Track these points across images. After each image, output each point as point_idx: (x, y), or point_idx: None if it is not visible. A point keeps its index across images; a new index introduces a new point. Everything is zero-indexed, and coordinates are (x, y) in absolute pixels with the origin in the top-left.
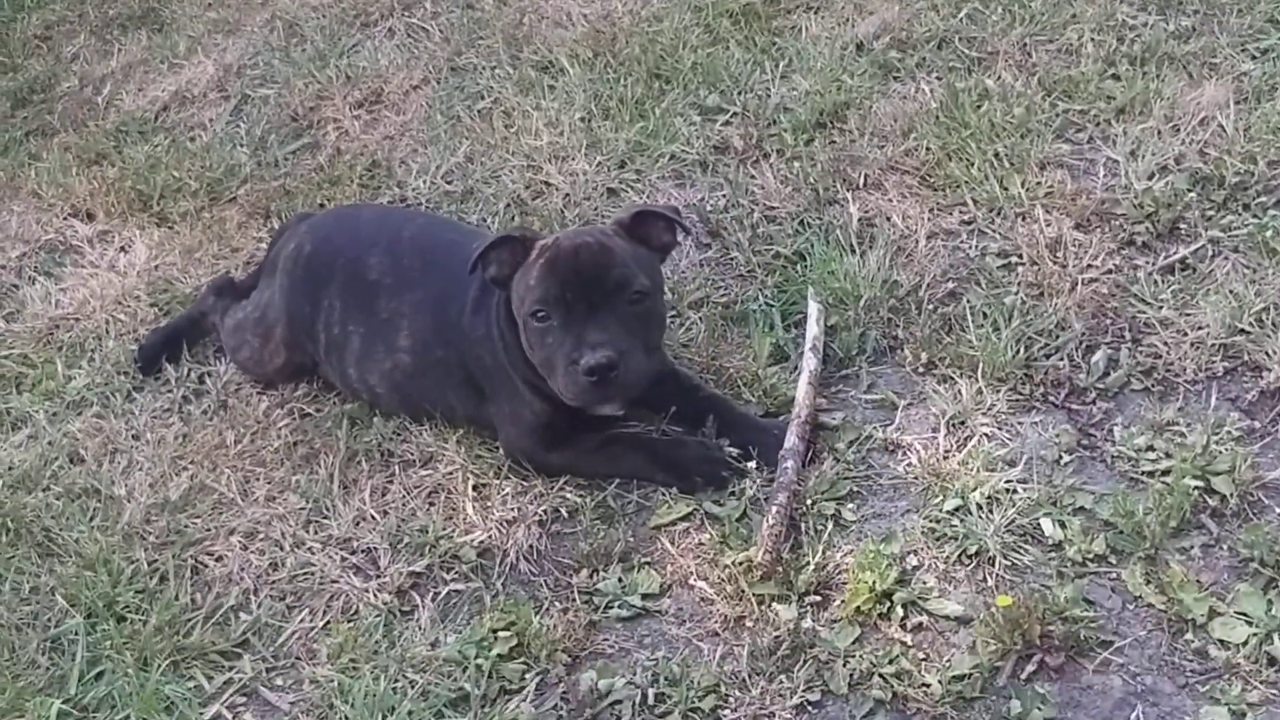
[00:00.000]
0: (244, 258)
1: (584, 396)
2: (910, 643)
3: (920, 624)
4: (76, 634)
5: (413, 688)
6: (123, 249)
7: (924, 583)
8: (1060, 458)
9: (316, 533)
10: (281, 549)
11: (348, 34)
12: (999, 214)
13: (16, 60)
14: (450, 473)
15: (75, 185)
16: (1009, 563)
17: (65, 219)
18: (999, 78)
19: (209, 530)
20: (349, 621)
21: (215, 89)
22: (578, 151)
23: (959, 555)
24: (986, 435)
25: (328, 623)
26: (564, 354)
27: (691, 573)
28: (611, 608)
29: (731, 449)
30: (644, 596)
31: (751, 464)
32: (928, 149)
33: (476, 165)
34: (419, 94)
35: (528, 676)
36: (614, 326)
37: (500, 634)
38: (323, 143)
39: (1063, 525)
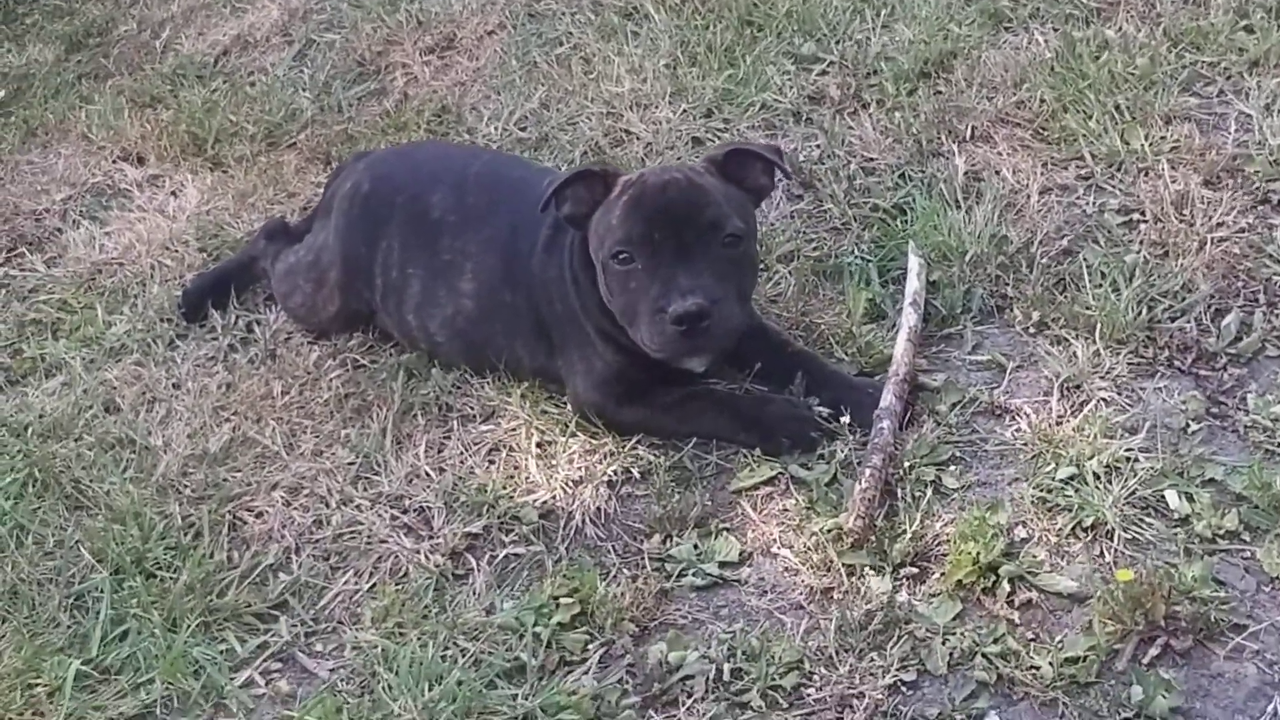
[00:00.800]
0: (300, 203)
1: (671, 347)
2: (1018, 620)
3: (1029, 601)
4: (101, 591)
5: (464, 656)
6: (173, 193)
7: (1034, 556)
8: (1187, 425)
9: (365, 489)
10: (327, 506)
11: None
12: (1119, 169)
13: (74, 4)
14: (513, 429)
15: (126, 128)
16: (1129, 537)
17: (114, 162)
18: (1120, 28)
19: (249, 485)
20: (397, 584)
21: (279, 33)
22: (661, 99)
23: (1073, 527)
24: (1104, 400)
25: (374, 585)
26: (649, 300)
27: (774, 540)
28: (685, 576)
29: (821, 408)
30: (721, 565)
31: (845, 420)
32: (1041, 101)
33: (553, 112)
34: (493, 39)
35: (590, 647)
36: (705, 271)
37: (562, 601)
38: (390, 88)
39: (1190, 498)
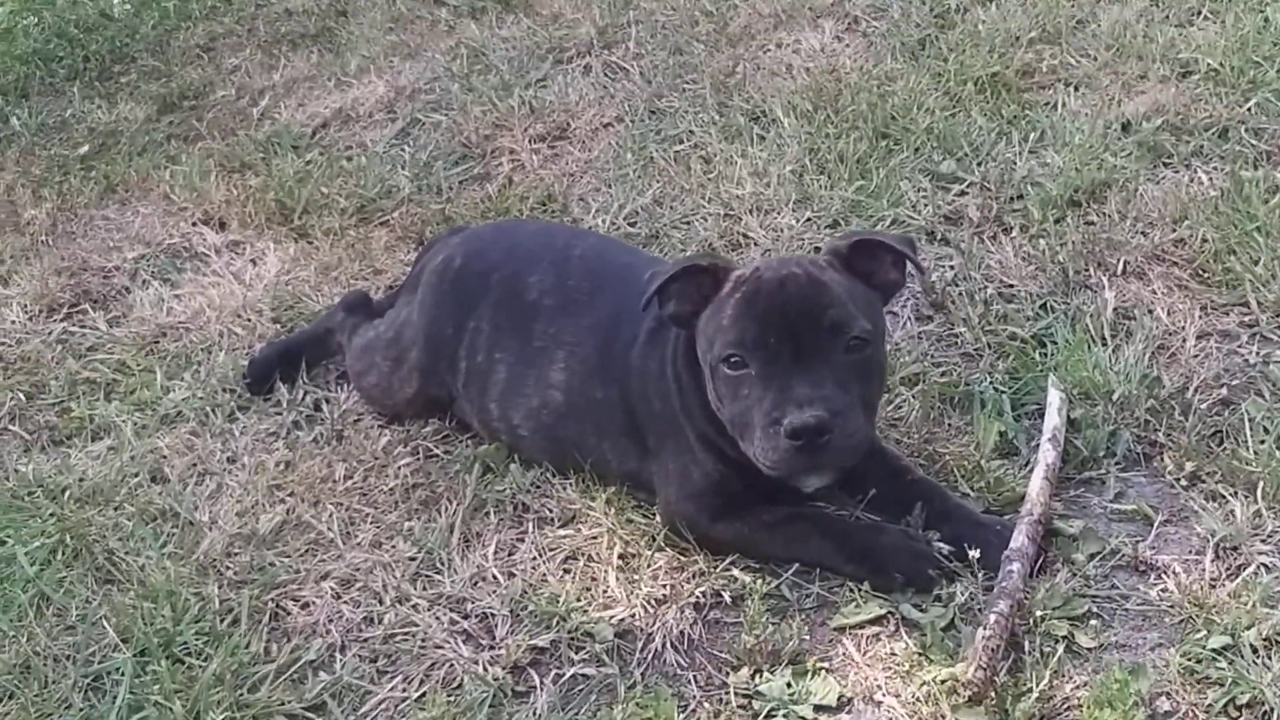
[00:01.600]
0: (387, 280)
1: (786, 464)
2: None
3: None
4: (121, 673)
5: None
6: (253, 260)
7: None
8: None
9: (425, 589)
10: (380, 603)
11: (538, 67)
12: None
13: (173, 68)
14: (594, 536)
15: (211, 191)
16: None
17: (194, 225)
18: None
19: (298, 572)
20: (449, 695)
21: (383, 109)
22: (784, 205)
23: (1225, 704)
24: (1265, 566)
25: (423, 694)
26: (763, 411)
27: (879, 686)
28: (775, 715)
29: (942, 544)
30: (817, 708)
31: (973, 558)
32: (1203, 240)
33: (666, 209)
34: (609, 132)
35: None
36: (827, 379)
37: None
38: (494, 174)
39: None
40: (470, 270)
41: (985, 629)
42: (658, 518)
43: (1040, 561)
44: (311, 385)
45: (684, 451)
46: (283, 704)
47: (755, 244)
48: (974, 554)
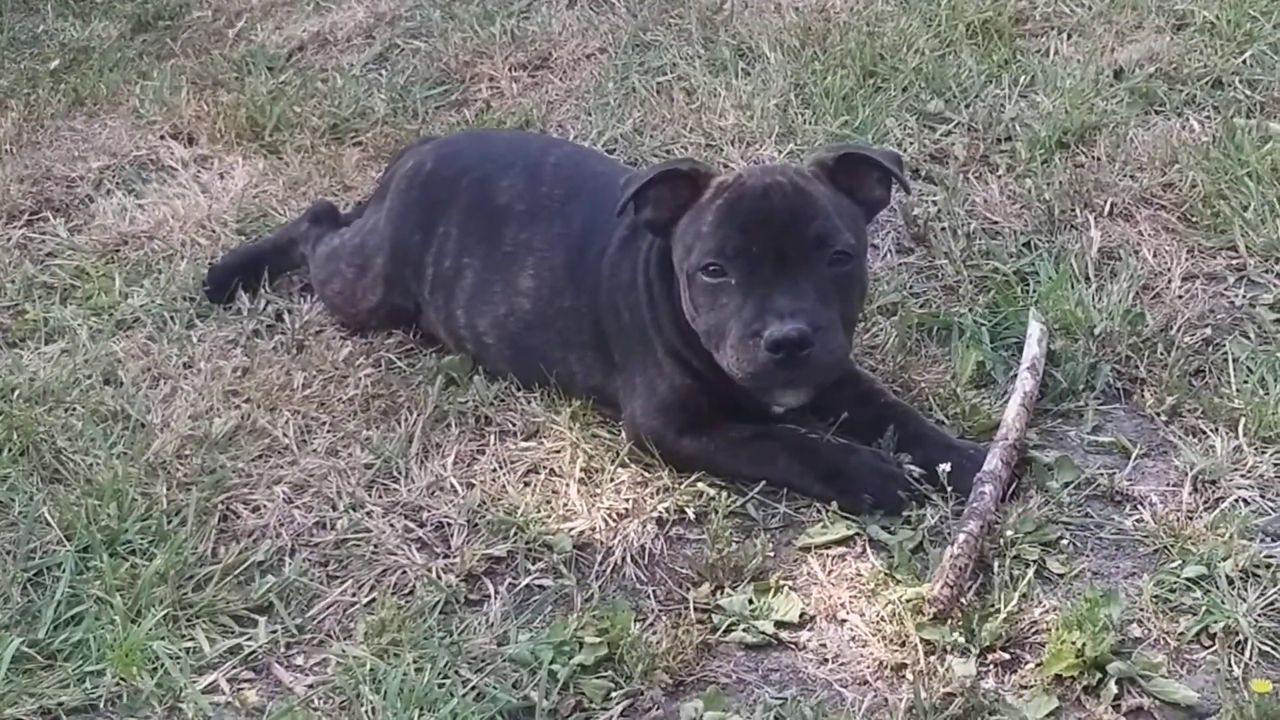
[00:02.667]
0: (357, 197)
1: (762, 377)
2: None
3: (1140, 707)
4: (62, 568)
5: (464, 686)
6: (220, 174)
7: (1149, 659)
8: None
9: (381, 496)
10: (334, 508)
11: None
12: (1276, 262)
13: None
14: (556, 450)
15: (182, 106)
16: (1265, 649)
17: (162, 138)
18: None
19: (250, 476)
20: (400, 600)
21: (361, 34)
22: (767, 137)
23: (1199, 632)
24: (1244, 500)
25: (374, 598)
26: (741, 321)
27: (843, 604)
28: (734, 630)
29: (913, 467)
30: (778, 624)
31: (943, 480)
32: (1193, 184)
33: (646, 137)
34: (591, 62)
35: (614, 695)
36: (809, 292)
37: (587, 640)
38: (472, 99)
39: None
40: (440, 175)
41: (954, 548)
42: (623, 433)
43: (1013, 487)
44: (274, 296)
45: (651, 365)
46: (228, 603)
47: None
48: (944, 469)
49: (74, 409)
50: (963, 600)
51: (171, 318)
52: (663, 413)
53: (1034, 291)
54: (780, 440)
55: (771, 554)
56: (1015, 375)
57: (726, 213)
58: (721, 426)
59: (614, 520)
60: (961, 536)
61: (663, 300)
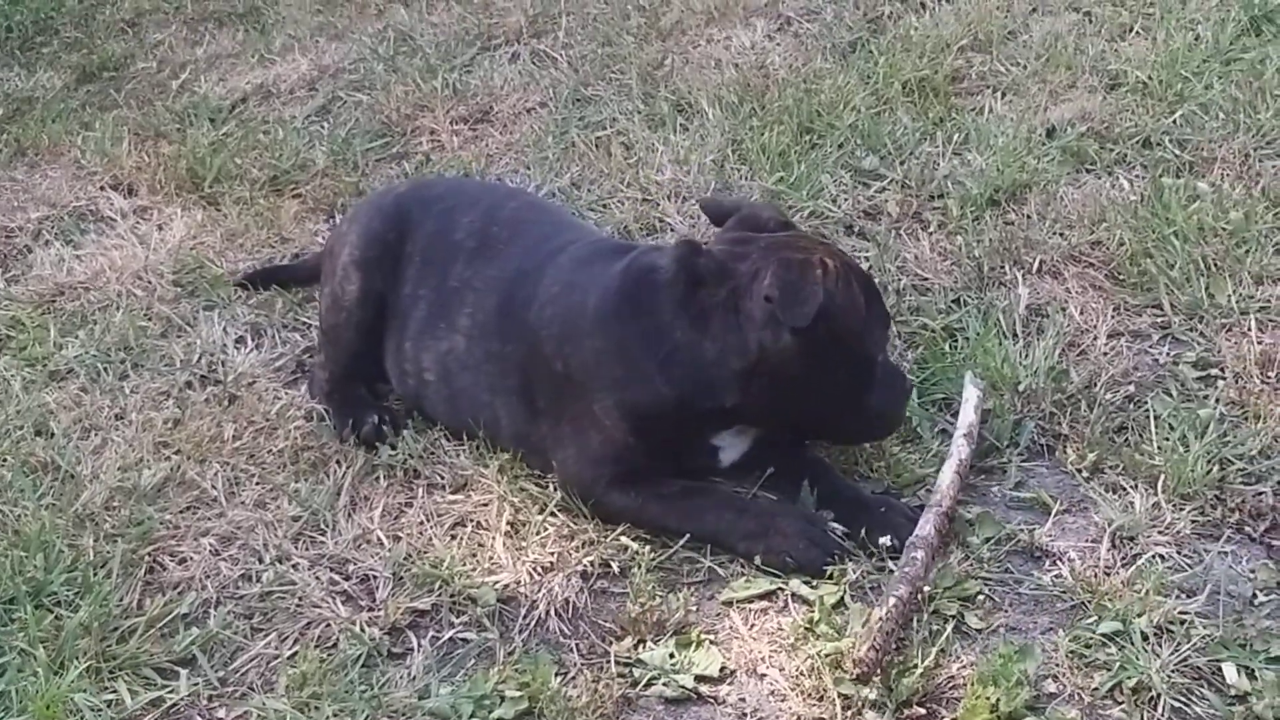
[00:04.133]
0: (294, 249)
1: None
2: None
3: None
4: None
5: None
6: (159, 226)
7: (1063, 714)
8: (1254, 596)
9: (307, 548)
10: (260, 561)
11: (464, 52)
12: (1200, 321)
13: (95, 40)
14: (484, 503)
15: (123, 158)
16: (1176, 705)
17: (101, 189)
18: (1214, 183)
19: (178, 528)
20: (323, 654)
21: (305, 87)
22: (703, 192)
23: (1112, 688)
24: (1160, 556)
25: (296, 652)
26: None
27: (763, 659)
28: (655, 684)
29: (836, 525)
30: (698, 678)
31: (885, 544)
32: (1120, 243)
33: (584, 191)
34: (531, 116)
35: None
36: None
37: (508, 694)
38: (412, 151)
39: (1251, 674)
40: (416, 196)
41: (882, 610)
42: (552, 485)
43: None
44: (257, 311)
45: (583, 415)
46: (151, 656)
47: (671, 229)
48: (885, 542)
49: (4, 460)
50: (884, 661)
51: (105, 369)
52: (593, 465)
53: (962, 348)
54: (709, 496)
55: (694, 608)
56: (940, 430)
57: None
58: (652, 481)
59: (539, 573)
60: (892, 600)
61: (633, 347)
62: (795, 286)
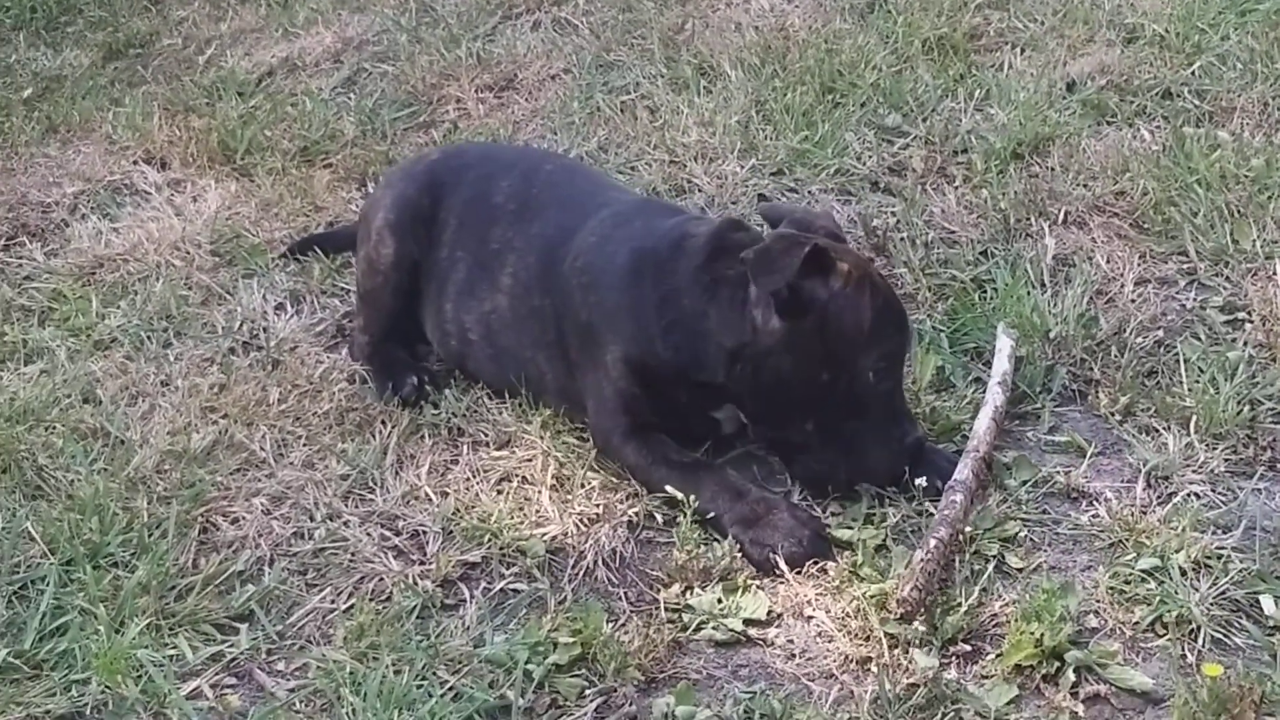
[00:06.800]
0: (328, 218)
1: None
2: (1083, 714)
3: (1097, 694)
4: (47, 580)
5: (442, 688)
6: (194, 198)
7: (1105, 648)
8: None
9: (357, 506)
10: (311, 519)
11: (486, 21)
12: (1226, 266)
13: (119, 19)
14: (528, 458)
15: (154, 132)
16: (1216, 636)
17: (135, 163)
18: (1234, 132)
19: (229, 489)
20: (378, 606)
21: (330, 59)
22: (729, 153)
23: (1153, 622)
24: (1195, 494)
25: (351, 605)
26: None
27: (809, 602)
28: (704, 629)
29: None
30: (746, 622)
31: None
32: (1144, 192)
33: (611, 154)
34: (556, 83)
35: (588, 693)
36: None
37: (561, 640)
38: (440, 120)
39: None
40: (446, 164)
41: (924, 552)
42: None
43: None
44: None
45: (600, 367)
46: (209, 612)
47: (700, 190)
48: (922, 481)
49: (54, 427)
50: (928, 601)
51: (148, 337)
52: (610, 415)
53: (991, 298)
54: (715, 474)
55: (738, 554)
56: (974, 379)
57: (886, 323)
58: (665, 444)
59: (585, 525)
60: (932, 541)
61: (646, 306)
62: (772, 255)
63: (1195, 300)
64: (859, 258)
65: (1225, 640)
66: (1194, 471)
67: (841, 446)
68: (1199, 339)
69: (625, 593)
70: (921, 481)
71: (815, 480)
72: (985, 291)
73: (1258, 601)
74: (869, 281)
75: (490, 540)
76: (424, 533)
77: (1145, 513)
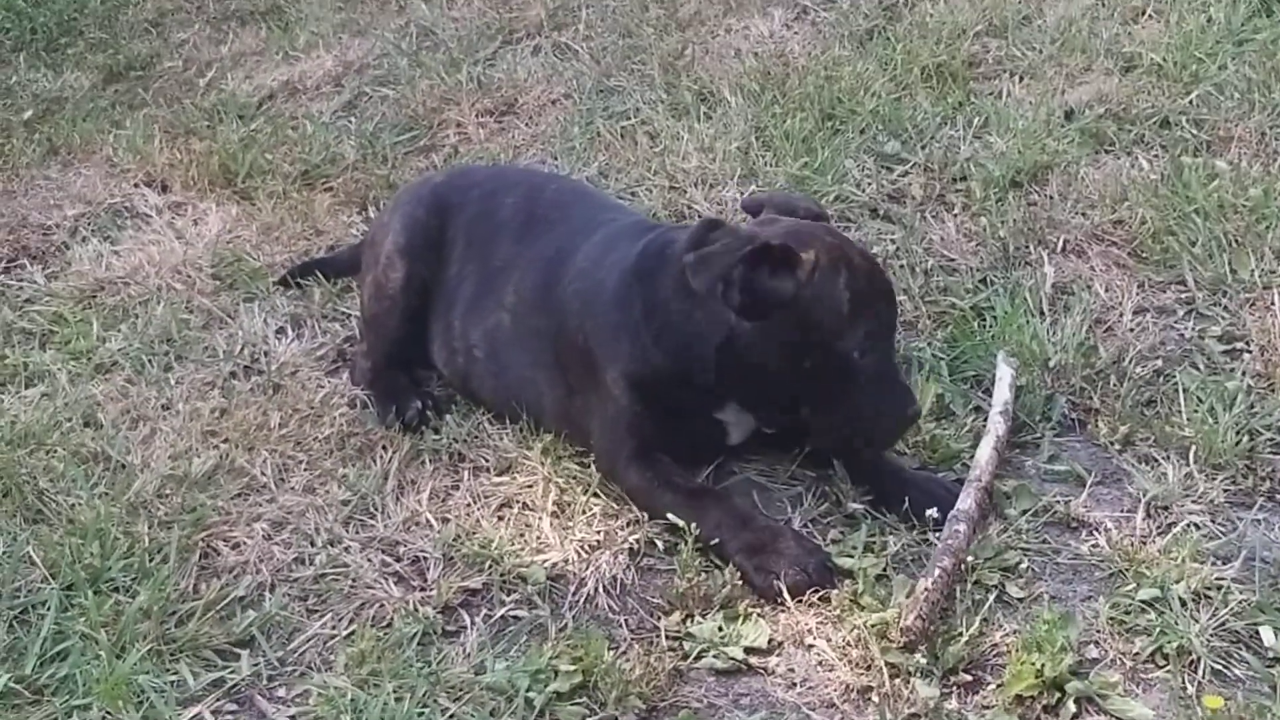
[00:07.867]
0: (329, 241)
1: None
2: None
3: None
4: (48, 605)
5: (442, 714)
6: (194, 221)
7: (1106, 678)
8: None
9: (358, 532)
10: (312, 544)
11: (487, 46)
12: (1224, 296)
13: (120, 41)
14: (529, 484)
15: (155, 155)
16: (1217, 668)
17: (136, 186)
18: (1232, 162)
19: (230, 514)
20: (379, 632)
21: (330, 83)
22: (729, 179)
23: (1153, 653)
24: (1195, 524)
25: (353, 631)
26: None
27: (810, 630)
28: (705, 657)
29: (868, 498)
30: (747, 650)
31: (932, 517)
32: (1142, 221)
33: (612, 180)
34: (556, 108)
35: None
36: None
37: (562, 668)
38: (440, 144)
39: None
40: (451, 184)
41: (929, 581)
42: (593, 467)
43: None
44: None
45: (601, 388)
46: (210, 638)
47: (700, 215)
48: (932, 513)
49: (55, 451)
50: (930, 630)
51: (149, 361)
52: (613, 439)
53: (990, 326)
54: (720, 501)
55: (739, 582)
56: (974, 407)
57: (872, 291)
58: (670, 468)
59: (586, 552)
60: (937, 570)
61: (636, 321)
62: (709, 257)
63: (1194, 330)
64: (831, 241)
65: (1225, 672)
66: (1193, 501)
67: (841, 418)
68: (1198, 368)
69: (626, 620)
70: (933, 513)
71: (834, 448)
72: (984, 319)
73: (1257, 633)
74: (843, 264)
75: (491, 566)
76: (425, 559)
77: (1145, 543)
